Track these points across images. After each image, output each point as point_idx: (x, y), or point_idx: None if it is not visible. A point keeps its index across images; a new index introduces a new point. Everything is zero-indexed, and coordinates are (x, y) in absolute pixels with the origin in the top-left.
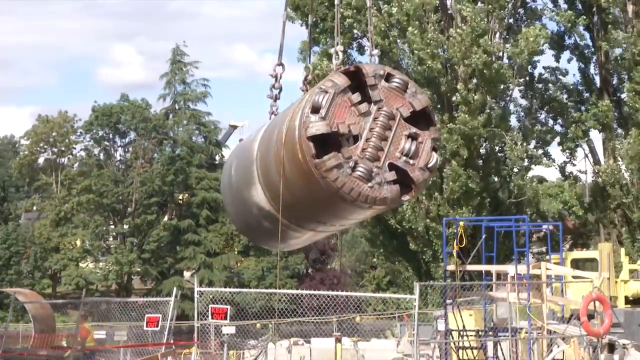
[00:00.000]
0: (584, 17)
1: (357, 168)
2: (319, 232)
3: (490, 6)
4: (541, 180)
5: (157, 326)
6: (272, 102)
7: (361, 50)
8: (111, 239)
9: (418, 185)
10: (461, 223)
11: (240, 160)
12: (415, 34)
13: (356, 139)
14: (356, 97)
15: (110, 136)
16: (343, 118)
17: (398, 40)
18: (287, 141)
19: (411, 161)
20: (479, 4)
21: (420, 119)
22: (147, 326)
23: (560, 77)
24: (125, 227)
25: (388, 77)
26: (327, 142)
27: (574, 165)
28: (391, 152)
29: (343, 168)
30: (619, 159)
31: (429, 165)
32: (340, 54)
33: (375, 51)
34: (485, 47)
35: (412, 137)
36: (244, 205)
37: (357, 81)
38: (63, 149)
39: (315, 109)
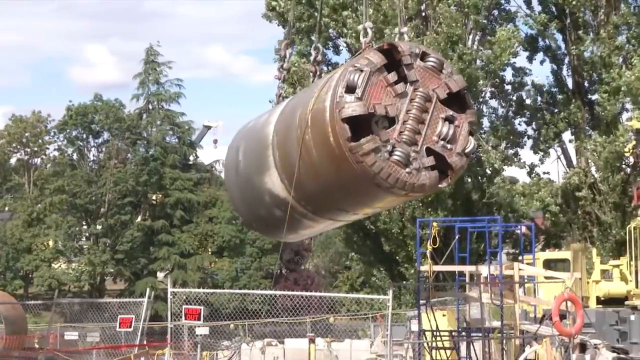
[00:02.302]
0: (557, 21)
1: (394, 152)
2: (337, 221)
3: (466, 9)
4: (514, 181)
5: (130, 327)
6: (279, 84)
7: (337, 50)
8: (84, 239)
9: (456, 172)
10: (435, 224)
11: (251, 144)
12: (392, 38)
13: (392, 121)
14: (392, 76)
15: (84, 136)
16: (379, 99)
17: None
18: (314, 123)
19: (449, 146)
20: (452, 7)
21: (454, 101)
22: (120, 327)
23: (529, 78)
24: (99, 227)
25: (423, 56)
26: (356, 125)
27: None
28: (428, 135)
29: (380, 152)
30: (590, 160)
31: (467, 151)
32: (370, 31)
33: (404, 29)
34: (461, 53)
35: (449, 120)
36: (253, 192)
37: (389, 60)
38: (36, 149)
39: (350, 89)
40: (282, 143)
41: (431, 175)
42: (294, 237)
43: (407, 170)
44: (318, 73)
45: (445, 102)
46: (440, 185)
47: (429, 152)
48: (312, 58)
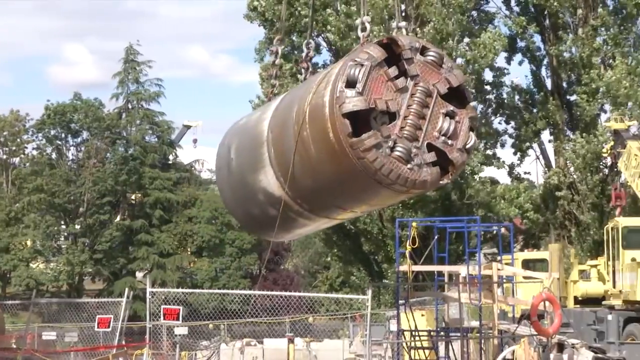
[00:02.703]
0: (536, 23)
1: (396, 148)
2: (333, 219)
3: (451, 10)
4: (493, 181)
5: (108, 327)
6: (272, 81)
7: (317, 49)
8: (62, 239)
9: (457, 168)
10: (414, 224)
11: (244, 141)
12: (377, 35)
13: (391, 116)
14: (393, 71)
15: (63, 135)
16: (380, 93)
17: (355, 43)
18: (312, 119)
19: (450, 141)
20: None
21: (453, 96)
22: (98, 327)
23: (507, 78)
24: (77, 227)
25: (423, 50)
26: (355, 121)
27: (527, 173)
28: (429, 131)
29: (382, 148)
30: (569, 160)
31: (467, 146)
32: (368, 25)
33: (403, 23)
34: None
35: (450, 115)
36: (247, 191)
37: (389, 54)
38: (14, 148)
39: (351, 83)
40: (278, 140)
41: (432, 171)
42: (287, 237)
43: (409, 166)
44: (310, 69)
45: (445, 97)
46: (441, 182)
47: (430, 147)
48: (303, 54)
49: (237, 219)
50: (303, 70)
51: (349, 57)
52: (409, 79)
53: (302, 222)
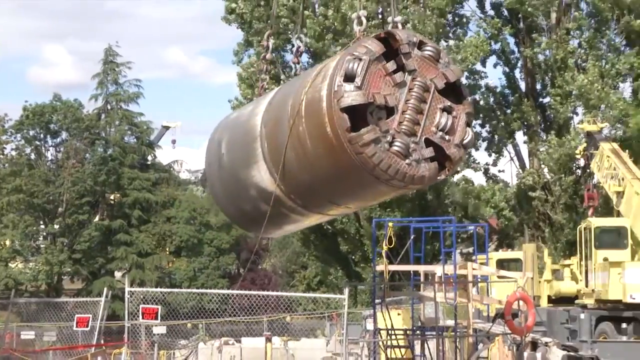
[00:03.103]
0: (510, 26)
1: (394, 143)
2: (326, 215)
3: (429, 12)
4: (469, 182)
5: (87, 326)
6: (262, 76)
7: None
8: (41, 239)
9: (454, 163)
10: (390, 224)
11: (236, 136)
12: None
13: (389, 111)
14: (391, 65)
15: (42, 136)
16: (379, 88)
17: (332, 45)
18: (309, 113)
19: (447, 137)
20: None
21: (449, 91)
22: (77, 326)
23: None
24: (56, 227)
25: (420, 45)
26: (353, 115)
27: (501, 171)
28: (427, 126)
29: (381, 143)
30: (542, 162)
31: (465, 142)
32: (364, 20)
33: (399, 18)
34: None
35: (447, 110)
36: (238, 186)
37: (387, 49)
38: None
39: (349, 77)
40: (272, 134)
41: (431, 166)
42: (277, 233)
43: (407, 161)
44: (300, 64)
45: (442, 92)
46: (438, 177)
47: (428, 143)
48: (294, 49)
49: (227, 215)
50: (293, 65)
51: (347, 51)
52: (406, 73)
53: (294, 217)
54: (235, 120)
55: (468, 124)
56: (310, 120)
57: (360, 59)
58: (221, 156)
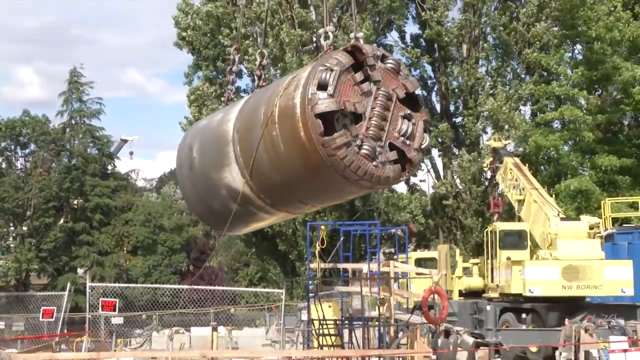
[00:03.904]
0: (428, 55)
1: (363, 146)
2: (292, 213)
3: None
4: (392, 191)
5: (52, 317)
6: (229, 86)
7: (239, 74)
8: (11, 239)
9: (414, 165)
10: (323, 227)
11: (208, 141)
12: (293, 60)
13: (357, 118)
14: (359, 76)
15: (12, 147)
16: (348, 96)
17: (272, 67)
18: (282, 119)
19: (408, 142)
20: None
21: (408, 101)
22: (43, 317)
23: None
24: (25, 228)
25: (383, 58)
26: (323, 121)
27: (422, 181)
28: (390, 132)
29: (351, 146)
30: (455, 174)
31: (423, 146)
32: (331, 35)
33: (360, 34)
34: None
35: (407, 118)
36: (208, 186)
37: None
38: None
39: (322, 86)
40: (245, 139)
41: (395, 168)
42: (243, 230)
43: (374, 163)
44: (263, 77)
45: (402, 102)
46: (400, 178)
47: (391, 147)
48: (257, 63)
49: (196, 214)
50: (256, 78)
51: (319, 62)
52: (372, 83)
53: (262, 216)
54: (205, 127)
55: (425, 130)
56: (283, 125)
57: (332, 70)
58: (192, 159)
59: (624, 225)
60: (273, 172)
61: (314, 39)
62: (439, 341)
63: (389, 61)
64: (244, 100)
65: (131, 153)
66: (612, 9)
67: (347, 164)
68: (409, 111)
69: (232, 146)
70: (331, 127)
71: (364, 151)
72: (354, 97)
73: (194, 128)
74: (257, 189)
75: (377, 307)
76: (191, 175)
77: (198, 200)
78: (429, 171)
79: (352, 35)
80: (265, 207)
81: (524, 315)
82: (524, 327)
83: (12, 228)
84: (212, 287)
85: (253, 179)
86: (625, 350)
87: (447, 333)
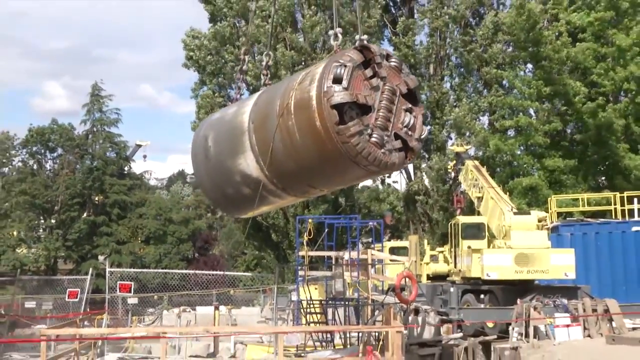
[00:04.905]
0: None
1: (373, 135)
2: (300, 197)
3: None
4: (371, 188)
5: (76, 298)
6: (239, 84)
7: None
8: (41, 230)
9: (414, 153)
10: (310, 220)
11: (223, 132)
12: (286, 76)
13: (365, 110)
14: (369, 72)
15: (42, 151)
16: (360, 90)
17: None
18: (298, 110)
19: (410, 132)
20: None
21: (408, 96)
22: (68, 298)
23: None
24: (53, 221)
25: (387, 57)
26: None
27: (395, 182)
28: (395, 123)
29: (363, 134)
30: (424, 174)
31: (422, 137)
32: (340, 36)
33: (365, 36)
34: None
35: (409, 111)
36: (223, 174)
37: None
38: (4, 160)
39: (337, 80)
40: (261, 128)
41: (400, 155)
42: (254, 212)
43: (382, 150)
44: (269, 76)
45: (404, 96)
46: (404, 165)
47: (396, 137)
48: (264, 64)
49: (209, 198)
50: (263, 77)
51: (332, 58)
52: (379, 79)
53: (273, 200)
54: (219, 119)
55: (423, 123)
56: (299, 116)
57: (346, 66)
58: (208, 148)
59: (567, 218)
60: (287, 159)
61: (302, 60)
62: (410, 318)
63: (393, 60)
64: (257, 95)
65: (145, 156)
66: (557, 34)
67: (359, 150)
68: (410, 105)
69: (247, 135)
70: (341, 118)
71: (373, 139)
72: (364, 90)
73: (207, 120)
74: (270, 175)
75: (356, 289)
76: (206, 163)
77: (213, 186)
78: (401, 172)
79: (356, 37)
80: (277, 192)
81: (482, 296)
82: (482, 306)
83: (42, 221)
84: (214, 272)
85: (268, 165)
86: (567, 325)
87: (417, 311)
